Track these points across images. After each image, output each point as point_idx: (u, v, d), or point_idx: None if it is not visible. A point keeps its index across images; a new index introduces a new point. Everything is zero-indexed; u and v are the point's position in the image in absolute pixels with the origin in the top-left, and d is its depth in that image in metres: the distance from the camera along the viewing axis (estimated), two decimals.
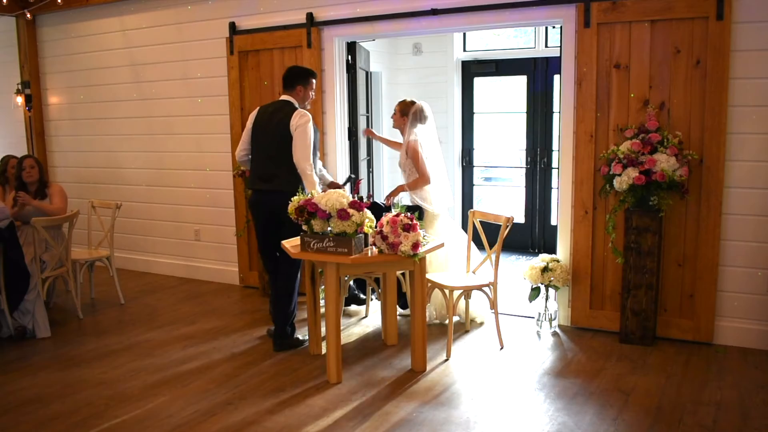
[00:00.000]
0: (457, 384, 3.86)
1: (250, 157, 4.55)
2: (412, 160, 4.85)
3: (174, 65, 6.28)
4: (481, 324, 4.92)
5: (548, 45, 7.06)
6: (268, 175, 4.39)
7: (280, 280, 4.43)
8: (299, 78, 4.45)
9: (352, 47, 5.57)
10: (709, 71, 4.15)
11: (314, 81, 4.54)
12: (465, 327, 4.80)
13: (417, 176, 4.83)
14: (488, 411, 3.50)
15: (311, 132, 4.31)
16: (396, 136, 5.40)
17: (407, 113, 4.94)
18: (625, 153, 4.23)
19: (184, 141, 6.38)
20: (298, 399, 3.68)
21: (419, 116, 4.91)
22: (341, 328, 4.37)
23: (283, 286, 4.42)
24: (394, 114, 5.07)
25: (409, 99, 5.06)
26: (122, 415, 3.53)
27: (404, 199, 4.92)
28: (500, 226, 4.36)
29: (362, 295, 5.30)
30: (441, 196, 4.94)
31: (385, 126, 7.51)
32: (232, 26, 5.81)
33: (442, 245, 4.19)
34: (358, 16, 5.23)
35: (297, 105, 4.40)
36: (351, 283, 5.30)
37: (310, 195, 3.86)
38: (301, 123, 4.28)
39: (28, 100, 7.13)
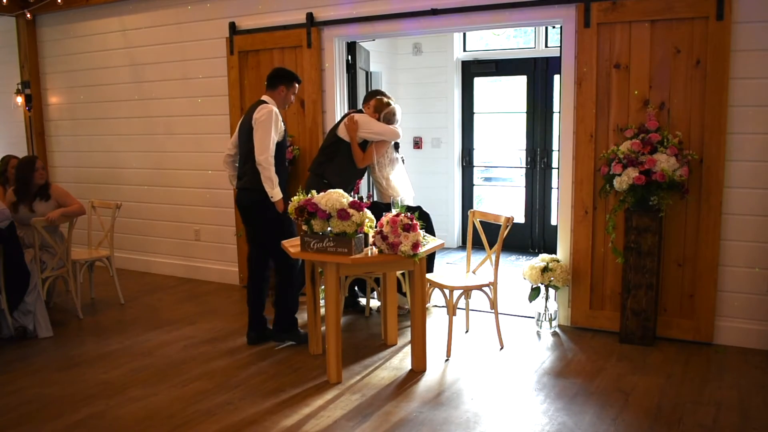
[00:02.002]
0: (457, 384, 3.86)
1: (231, 159, 4.62)
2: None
3: (174, 65, 6.28)
4: (408, 311, 4.93)
5: (548, 45, 7.06)
6: (241, 172, 4.46)
7: (277, 279, 4.51)
8: (285, 79, 4.43)
9: (352, 47, 5.57)
10: (709, 71, 4.15)
11: (297, 87, 4.52)
12: (465, 327, 4.81)
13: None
14: (488, 411, 3.50)
15: (271, 125, 4.21)
16: None
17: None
18: (625, 153, 4.23)
19: (184, 141, 6.38)
20: (298, 399, 3.68)
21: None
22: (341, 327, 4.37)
23: (280, 286, 4.48)
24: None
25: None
26: (122, 415, 3.53)
27: (406, 200, 4.93)
28: (500, 226, 4.36)
29: (362, 302, 5.30)
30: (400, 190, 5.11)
31: None
32: (232, 26, 5.81)
33: (442, 244, 4.20)
34: (358, 16, 5.23)
35: (270, 104, 4.35)
36: (356, 288, 5.31)
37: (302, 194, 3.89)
38: (260, 116, 4.23)
39: (28, 100, 7.13)
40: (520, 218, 7.38)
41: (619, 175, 4.22)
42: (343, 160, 4.93)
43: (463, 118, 7.63)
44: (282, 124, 4.35)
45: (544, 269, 4.64)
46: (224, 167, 4.70)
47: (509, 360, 4.22)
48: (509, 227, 4.34)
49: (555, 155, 6.94)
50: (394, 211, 3.79)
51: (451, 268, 6.55)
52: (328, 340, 3.85)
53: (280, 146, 4.36)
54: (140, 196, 6.78)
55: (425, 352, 4.06)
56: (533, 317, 4.89)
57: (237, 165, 4.56)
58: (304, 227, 3.83)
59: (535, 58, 7.16)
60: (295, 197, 3.87)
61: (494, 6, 4.72)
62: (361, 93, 5.79)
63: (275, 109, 4.29)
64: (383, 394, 3.72)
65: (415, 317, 3.98)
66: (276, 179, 4.23)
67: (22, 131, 7.32)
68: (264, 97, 4.41)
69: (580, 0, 4.45)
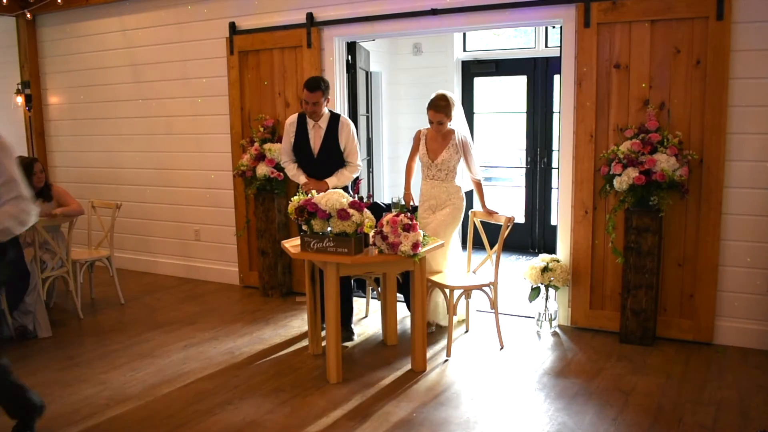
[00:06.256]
0: (457, 384, 3.86)
1: None
2: (465, 155, 4.66)
3: (174, 65, 6.28)
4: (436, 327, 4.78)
5: (548, 45, 7.06)
6: None
7: None
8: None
9: (352, 47, 5.56)
10: (709, 71, 4.15)
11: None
12: (465, 327, 4.81)
13: (471, 173, 4.69)
14: (488, 411, 3.51)
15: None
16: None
17: (451, 112, 4.55)
18: (625, 153, 4.23)
19: (184, 141, 6.38)
20: (298, 399, 3.68)
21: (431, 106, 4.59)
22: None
23: None
24: (441, 124, 4.54)
25: (439, 95, 4.56)
26: (122, 415, 3.53)
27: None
28: (500, 226, 4.36)
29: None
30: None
31: (385, 126, 7.52)
32: (232, 26, 5.81)
33: (442, 245, 4.20)
34: (358, 16, 5.23)
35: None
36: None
37: (304, 194, 3.92)
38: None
39: (28, 100, 7.12)
40: (520, 218, 7.38)
41: (619, 175, 4.22)
42: None
43: None
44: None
45: (544, 269, 4.64)
46: None
47: (509, 360, 4.22)
48: (510, 227, 4.35)
49: (555, 155, 6.94)
50: (394, 211, 3.80)
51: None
52: (328, 340, 3.85)
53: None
54: (140, 196, 6.77)
55: (425, 352, 4.07)
56: (533, 317, 4.89)
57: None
58: (305, 227, 3.83)
59: (535, 58, 7.15)
60: (294, 197, 3.88)
61: (494, 6, 4.72)
62: (362, 93, 5.79)
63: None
64: (383, 394, 3.72)
65: (415, 317, 3.99)
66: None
67: (22, 131, 7.31)
68: None
69: (580, 0, 4.45)
